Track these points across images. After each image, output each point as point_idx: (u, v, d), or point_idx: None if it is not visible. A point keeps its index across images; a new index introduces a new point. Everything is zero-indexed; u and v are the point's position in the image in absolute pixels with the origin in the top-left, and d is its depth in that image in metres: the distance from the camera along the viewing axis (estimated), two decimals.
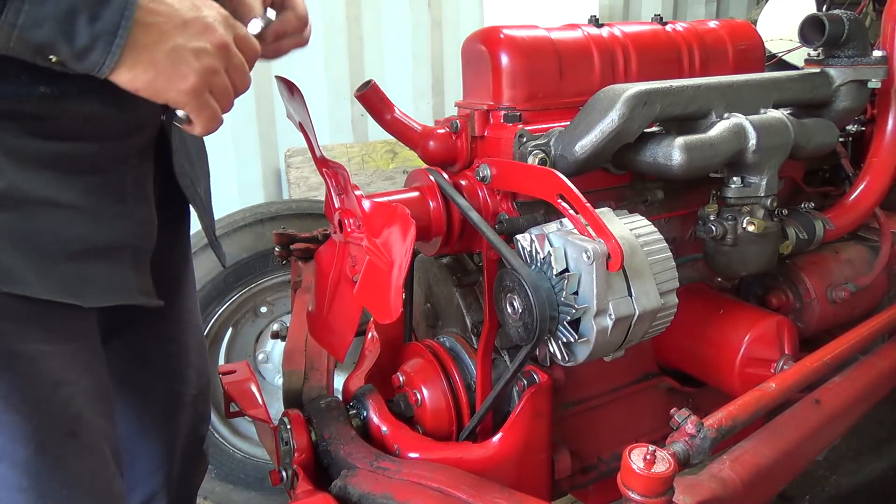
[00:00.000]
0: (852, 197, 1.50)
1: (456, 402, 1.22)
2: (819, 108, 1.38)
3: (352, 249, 1.12)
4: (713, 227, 1.24)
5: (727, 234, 1.23)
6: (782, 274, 1.48)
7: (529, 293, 0.98)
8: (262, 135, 2.81)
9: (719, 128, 1.15)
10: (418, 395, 1.23)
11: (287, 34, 1.01)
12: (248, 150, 2.81)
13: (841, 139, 1.54)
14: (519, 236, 1.06)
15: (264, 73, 2.58)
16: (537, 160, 1.11)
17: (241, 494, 2.19)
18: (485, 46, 1.19)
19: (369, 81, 1.13)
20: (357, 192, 1.06)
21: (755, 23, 2.78)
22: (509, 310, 1.04)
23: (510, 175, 1.10)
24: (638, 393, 1.39)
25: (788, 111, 1.30)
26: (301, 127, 1.12)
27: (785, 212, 1.33)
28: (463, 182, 1.19)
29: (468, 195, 1.17)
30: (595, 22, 1.32)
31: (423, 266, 1.39)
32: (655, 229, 1.05)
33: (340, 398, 1.33)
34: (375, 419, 1.22)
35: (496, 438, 1.14)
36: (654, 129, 1.21)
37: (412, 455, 1.15)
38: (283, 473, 1.23)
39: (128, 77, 0.76)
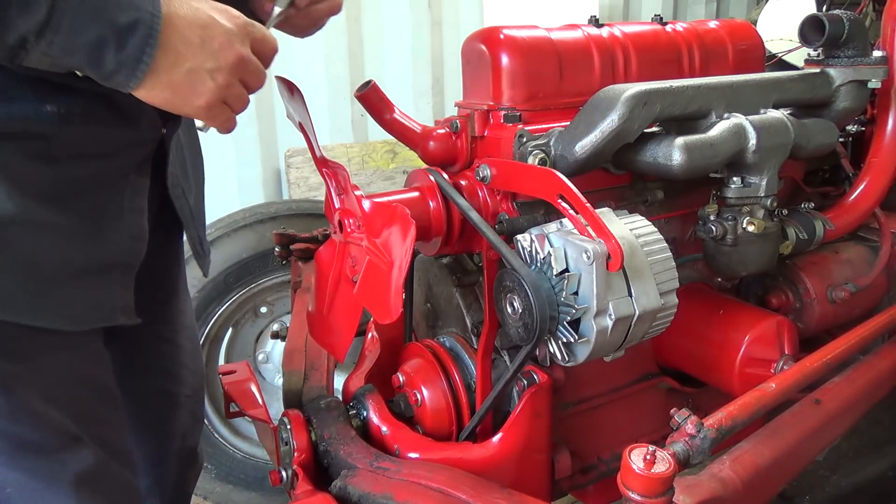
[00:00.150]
0: (852, 197, 1.50)
1: (456, 403, 1.22)
2: (819, 108, 1.38)
3: (352, 249, 1.12)
4: (713, 228, 1.24)
5: (727, 234, 1.23)
6: (782, 274, 1.48)
7: (529, 293, 0.98)
8: (262, 135, 2.81)
9: (719, 128, 1.15)
10: (418, 396, 1.23)
11: (322, 7, 1.02)
12: (248, 151, 2.81)
13: (841, 139, 1.54)
14: (519, 236, 1.06)
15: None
16: (537, 160, 1.11)
17: (241, 494, 2.19)
18: (485, 46, 1.19)
19: (369, 81, 1.13)
20: (357, 192, 1.06)
21: (755, 23, 2.78)
22: (509, 310, 1.04)
23: (510, 175, 1.10)
24: (638, 393, 1.39)
25: (788, 111, 1.30)
26: (301, 127, 1.12)
27: (785, 212, 1.33)
28: (463, 182, 1.19)
29: (468, 195, 1.17)
30: (595, 22, 1.32)
31: (423, 266, 1.39)
32: (655, 229, 1.05)
33: (340, 398, 1.33)
34: (375, 419, 1.22)
35: (496, 439, 1.14)
36: (654, 129, 1.21)
37: (412, 455, 1.15)
38: (283, 473, 1.23)
39: (146, 94, 0.79)
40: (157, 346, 1.22)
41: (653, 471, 0.84)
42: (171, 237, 1.22)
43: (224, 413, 1.50)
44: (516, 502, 1.00)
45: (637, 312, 0.98)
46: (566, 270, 0.98)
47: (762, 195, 1.21)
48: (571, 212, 0.96)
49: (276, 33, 0.97)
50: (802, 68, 1.43)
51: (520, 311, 1.01)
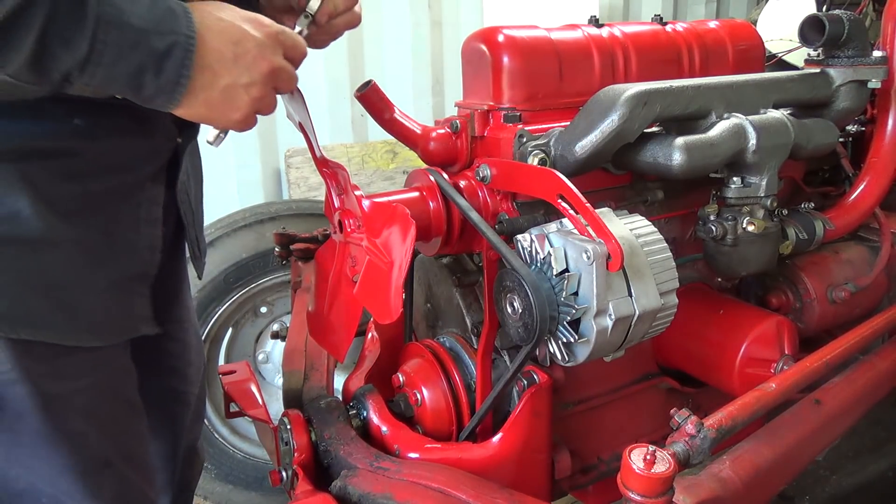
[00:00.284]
0: (852, 197, 1.50)
1: (456, 403, 1.22)
2: (819, 108, 1.38)
3: (352, 249, 1.12)
4: (713, 228, 1.24)
5: (727, 234, 1.23)
6: (782, 274, 1.48)
7: (529, 293, 0.98)
8: (262, 135, 2.81)
9: (719, 128, 1.15)
10: (418, 396, 1.23)
11: (338, 13, 1.03)
12: (248, 151, 2.81)
13: (841, 139, 1.54)
14: (519, 236, 1.06)
15: None
16: (537, 160, 1.11)
17: (241, 494, 2.19)
18: (485, 46, 1.19)
19: (369, 81, 1.13)
20: (357, 193, 1.06)
21: (755, 23, 2.78)
22: (509, 310, 1.04)
23: (510, 175, 1.10)
24: (638, 393, 1.39)
25: (788, 111, 1.30)
26: (301, 127, 1.12)
27: (785, 212, 1.33)
28: (463, 182, 1.19)
29: (468, 195, 1.17)
30: (595, 22, 1.32)
31: (423, 266, 1.39)
32: (655, 229, 1.05)
33: (340, 398, 1.33)
34: (375, 419, 1.22)
35: (496, 438, 1.14)
36: (654, 129, 1.21)
37: (412, 455, 1.15)
38: (283, 473, 1.23)
39: (184, 112, 0.81)
40: (167, 346, 1.22)
41: (653, 471, 0.84)
42: (176, 237, 1.22)
43: (224, 413, 1.50)
44: (516, 502, 1.00)
45: (637, 312, 0.98)
46: (566, 270, 0.98)
47: (762, 195, 1.21)
48: (571, 212, 0.96)
49: None
50: (802, 68, 1.43)
51: (520, 311, 1.01)
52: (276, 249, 1.86)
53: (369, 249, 1.03)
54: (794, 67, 2.17)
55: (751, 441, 1.14)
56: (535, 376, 1.16)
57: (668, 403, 1.28)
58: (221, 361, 2.24)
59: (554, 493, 1.27)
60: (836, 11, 1.39)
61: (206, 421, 1.99)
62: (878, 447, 2.24)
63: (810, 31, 1.38)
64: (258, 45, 0.82)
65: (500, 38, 1.18)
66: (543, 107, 1.21)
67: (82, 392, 0.91)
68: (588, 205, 0.94)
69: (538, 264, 1.02)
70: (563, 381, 1.24)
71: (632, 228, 1.03)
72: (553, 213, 1.12)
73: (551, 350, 1.04)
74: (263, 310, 2.29)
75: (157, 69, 0.74)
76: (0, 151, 0.80)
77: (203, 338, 2.11)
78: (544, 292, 0.98)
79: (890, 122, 1.49)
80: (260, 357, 2.35)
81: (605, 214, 1.02)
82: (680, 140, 1.10)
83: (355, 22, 1.07)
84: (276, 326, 2.28)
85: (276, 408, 1.36)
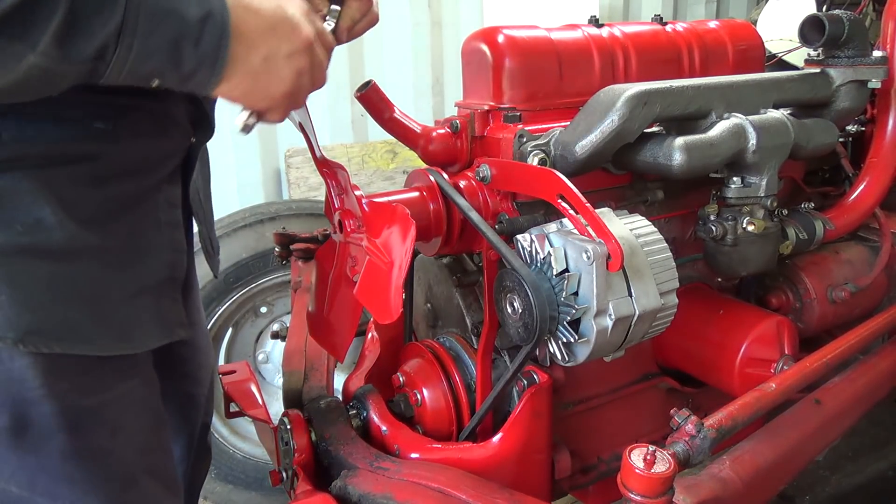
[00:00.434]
0: (852, 197, 1.50)
1: (456, 403, 1.22)
2: (819, 108, 1.38)
3: (352, 249, 1.12)
4: (713, 228, 1.24)
5: (727, 234, 1.23)
6: (782, 274, 1.48)
7: (529, 293, 0.98)
8: (262, 135, 2.81)
9: (719, 128, 1.15)
10: (418, 396, 1.23)
11: (361, 17, 1.00)
12: (248, 151, 2.81)
13: (841, 139, 1.54)
14: (519, 236, 1.06)
15: None
16: (537, 160, 1.11)
17: (241, 494, 2.19)
18: (485, 46, 1.19)
19: (369, 81, 1.13)
20: (357, 193, 1.06)
21: (755, 23, 2.78)
22: (509, 310, 1.04)
23: (510, 175, 1.10)
24: (638, 393, 1.39)
25: (788, 111, 1.30)
26: (301, 127, 1.12)
27: (785, 212, 1.33)
28: (463, 182, 1.19)
29: (468, 195, 1.17)
30: (595, 22, 1.32)
31: (423, 266, 1.39)
32: (655, 229, 1.05)
33: (340, 398, 1.33)
34: (375, 419, 1.22)
35: (496, 439, 1.14)
36: (654, 129, 1.21)
37: (412, 455, 1.15)
38: (283, 474, 1.23)
39: (227, 89, 0.77)
40: (179, 351, 1.19)
41: (653, 471, 0.84)
42: (187, 236, 1.22)
43: (224, 413, 1.50)
44: (516, 502, 1.00)
45: (637, 312, 0.98)
46: (566, 270, 0.98)
47: (762, 195, 1.21)
48: (571, 212, 0.96)
49: None
50: (802, 68, 1.43)
51: (520, 311, 1.01)
52: (276, 249, 1.86)
53: (369, 249, 1.03)
54: (794, 67, 2.17)
55: (751, 441, 1.14)
56: (535, 376, 1.16)
57: (668, 403, 1.28)
58: (221, 361, 2.24)
59: (554, 493, 1.27)
60: (836, 11, 1.39)
61: None
62: (878, 447, 2.24)
63: (810, 31, 1.38)
64: (295, 15, 0.79)
65: (500, 38, 1.18)
66: (543, 107, 1.21)
67: (109, 405, 0.88)
68: (588, 205, 0.94)
69: (538, 264, 1.02)
70: (563, 381, 1.24)
71: (632, 228, 1.03)
72: (553, 213, 1.12)
73: (551, 350, 1.04)
74: (263, 310, 2.29)
75: (195, 38, 0.70)
76: (22, 157, 0.78)
77: None
78: (544, 292, 0.98)
79: (890, 122, 1.49)
80: (260, 357, 2.35)
81: (605, 214, 1.02)
82: (680, 140, 1.10)
83: (374, 21, 1.05)
84: (276, 326, 2.28)
85: (276, 408, 1.36)
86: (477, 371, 1.20)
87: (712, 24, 1.43)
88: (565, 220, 1.02)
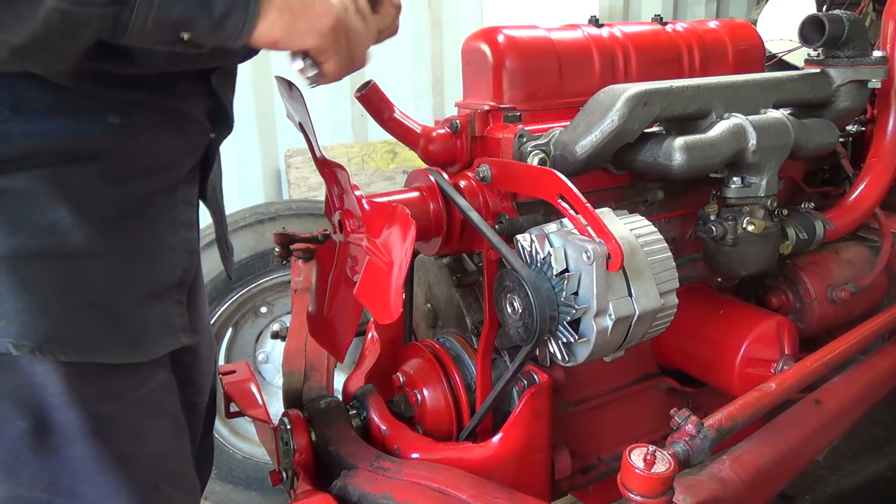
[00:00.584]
0: (852, 197, 1.50)
1: (456, 403, 1.22)
2: (819, 108, 1.38)
3: (352, 250, 1.12)
4: (713, 228, 1.24)
5: (727, 234, 1.23)
6: (782, 274, 1.48)
7: (529, 293, 0.98)
8: (262, 135, 2.81)
9: (719, 128, 1.15)
10: (418, 396, 1.23)
11: (387, 30, 0.96)
12: (248, 151, 2.81)
13: (841, 139, 1.54)
14: (519, 236, 1.06)
15: (264, 73, 2.58)
16: (537, 160, 1.11)
17: (241, 494, 2.19)
18: (485, 46, 1.19)
19: (369, 81, 1.13)
20: (357, 193, 1.06)
21: (755, 23, 2.78)
22: (509, 310, 1.04)
23: (510, 175, 1.10)
24: (638, 393, 1.39)
25: (788, 111, 1.30)
26: (301, 127, 1.12)
27: (785, 212, 1.33)
28: (463, 182, 1.19)
29: (468, 195, 1.17)
30: (595, 22, 1.32)
31: (423, 266, 1.39)
32: (655, 229, 1.05)
33: (340, 398, 1.33)
34: (375, 419, 1.22)
35: (496, 438, 1.14)
36: (654, 129, 1.21)
37: (412, 455, 1.15)
38: (283, 474, 1.23)
39: (265, 29, 0.71)
40: (182, 358, 1.15)
41: (653, 471, 0.84)
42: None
43: (224, 413, 1.50)
44: (516, 502, 1.00)
45: (637, 312, 0.98)
46: (566, 270, 0.98)
47: (762, 195, 1.21)
48: (571, 212, 0.96)
49: None
50: (802, 68, 1.43)
51: (520, 311, 1.01)
52: (276, 249, 1.86)
53: (369, 249, 1.03)
54: (794, 67, 2.17)
55: (751, 441, 1.14)
56: (535, 376, 1.16)
57: (668, 403, 1.28)
58: (221, 361, 2.23)
59: (554, 493, 1.27)
60: (836, 11, 1.39)
61: None
62: (878, 447, 2.24)
63: (810, 31, 1.38)
64: None
65: (501, 38, 1.18)
66: (543, 107, 1.21)
67: (128, 411, 0.86)
68: (588, 205, 0.94)
69: (538, 264, 1.02)
70: (563, 381, 1.24)
71: (632, 228, 1.03)
72: (553, 213, 1.12)
73: (551, 350, 1.04)
74: (263, 310, 2.29)
75: None
76: (34, 154, 0.75)
77: None
78: (544, 292, 0.98)
79: (890, 122, 1.49)
80: (260, 357, 2.35)
81: (605, 214, 1.02)
82: (680, 140, 1.10)
83: (395, 33, 1.00)
84: (276, 326, 2.28)
85: (276, 408, 1.36)
86: (477, 371, 1.20)
87: (712, 24, 1.43)
88: (565, 220, 1.02)
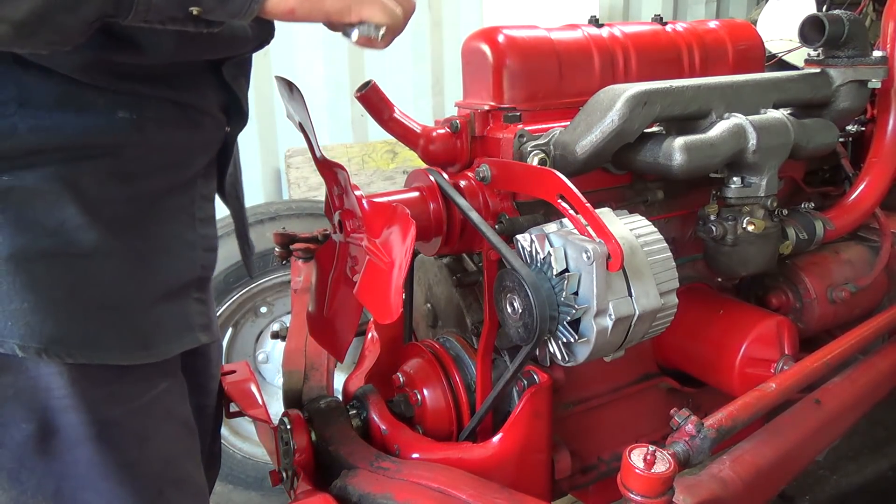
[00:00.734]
0: (852, 197, 1.50)
1: (456, 403, 1.22)
2: (819, 108, 1.38)
3: (352, 249, 1.12)
4: (713, 228, 1.24)
5: (727, 234, 1.23)
6: (782, 274, 1.48)
7: (529, 293, 0.98)
8: (262, 135, 2.81)
9: (719, 128, 1.15)
10: (418, 396, 1.23)
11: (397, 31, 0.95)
12: (249, 150, 2.81)
13: (841, 139, 1.54)
14: (519, 236, 1.06)
15: (264, 73, 2.58)
16: (537, 160, 1.11)
17: (241, 494, 2.19)
18: (485, 46, 1.19)
19: (369, 81, 1.13)
20: (357, 193, 1.06)
21: (755, 23, 2.78)
22: (509, 310, 1.04)
23: (510, 175, 1.10)
24: (638, 393, 1.39)
25: (788, 111, 1.30)
26: (301, 127, 1.12)
27: (785, 212, 1.33)
28: (463, 182, 1.19)
29: (468, 195, 1.17)
30: (595, 22, 1.32)
31: (423, 266, 1.39)
32: (655, 229, 1.05)
33: (340, 398, 1.33)
34: (375, 419, 1.22)
35: (496, 439, 1.14)
36: (654, 129, 1.21)
37: (412, 455, 1.15)
38: (283, 474, 1.23)
39: None
40: (194, 363, 1.13)
41: (653, 471, 0.84)
42: None
43: (224, 413, 1.50)
44: (516, 502, 1.00)
45: (637, 312, 0.98)
46: (566, 270, 0.98)
47: (762, 195, 1.21)
48: (571, 212, 0.96)
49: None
50: (802, 68, 1.43)
51: (520, 311, 1.01)
52: (276, 249, 1.86)
53: (369, 249, 1.03)
54: (794, 67, 2.17)
55: (751, 441, 1.14)
56: (535, 376, 1.16)
57: (668, 403, 1.28)
58: (222, 361, 2.23)
59: (554, 493, 1.27)
60: (836, 11, 1.39)
61: None
62: (878, 447, 2.24)
63: (810, 31, 1.38)
64: None
65: (500, 38, 1.18)
66: (543, 107, 1.21)
67: (134, 414, 0.85)
68: (588, 205, 0.94)
69: (538, 264, 1.02)
70: (563, 381, 1.24)
71: (632, 228, 1.03)
72: (553, 213, 1.12)
73: (551, 350, 1.04)
74: (263, 310, 2.29)
75: None
76: (42, 150, 0.73)
77: None
78: (544, 292, 0.98)
79: (890, 122, 1.49)
80: (260, 357, 2.35)
81: (605, 214, 1.02)
82: (680, 140, 1.10)
83: (398, 33, 1.00)
84: (276, 326, 2.28)
85: (276, 408, 1.36)
86: (477, 371, 1.20)
87: (712, 24, 1.43)
88: (565, 220, 1.02)
